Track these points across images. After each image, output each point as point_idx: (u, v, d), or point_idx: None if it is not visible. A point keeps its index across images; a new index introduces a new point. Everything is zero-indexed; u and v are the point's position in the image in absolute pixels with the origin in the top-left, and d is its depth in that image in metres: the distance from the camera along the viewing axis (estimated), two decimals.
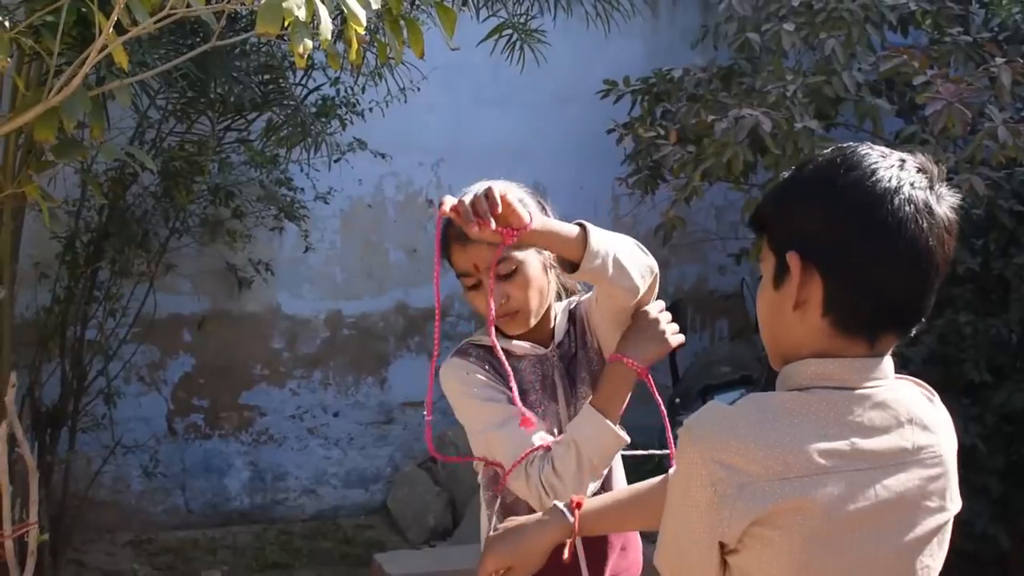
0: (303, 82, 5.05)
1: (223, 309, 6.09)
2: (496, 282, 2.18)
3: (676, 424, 3.82)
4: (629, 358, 2.24)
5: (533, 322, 2.33)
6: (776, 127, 4.55)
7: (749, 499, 1.42)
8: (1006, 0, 5.35)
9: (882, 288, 1.48)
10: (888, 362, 1.54)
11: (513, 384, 2.16)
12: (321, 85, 5.17)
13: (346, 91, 5.33)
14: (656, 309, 2.28)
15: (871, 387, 1.51)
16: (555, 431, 2.32)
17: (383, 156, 5.80)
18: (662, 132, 5.34)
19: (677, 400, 3.95)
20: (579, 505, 1.97)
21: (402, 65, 4.58)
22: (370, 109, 5.43)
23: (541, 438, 2.24)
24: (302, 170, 5.50)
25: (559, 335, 2.39)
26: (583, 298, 2.45)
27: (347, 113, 5.37)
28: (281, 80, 4.71)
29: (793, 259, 1.49)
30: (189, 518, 6.12)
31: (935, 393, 1.65)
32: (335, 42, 3.37)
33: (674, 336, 2.28)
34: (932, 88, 4.41)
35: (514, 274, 2.26)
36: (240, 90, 4.09)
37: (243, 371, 6.19)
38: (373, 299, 6.40)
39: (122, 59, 2.09)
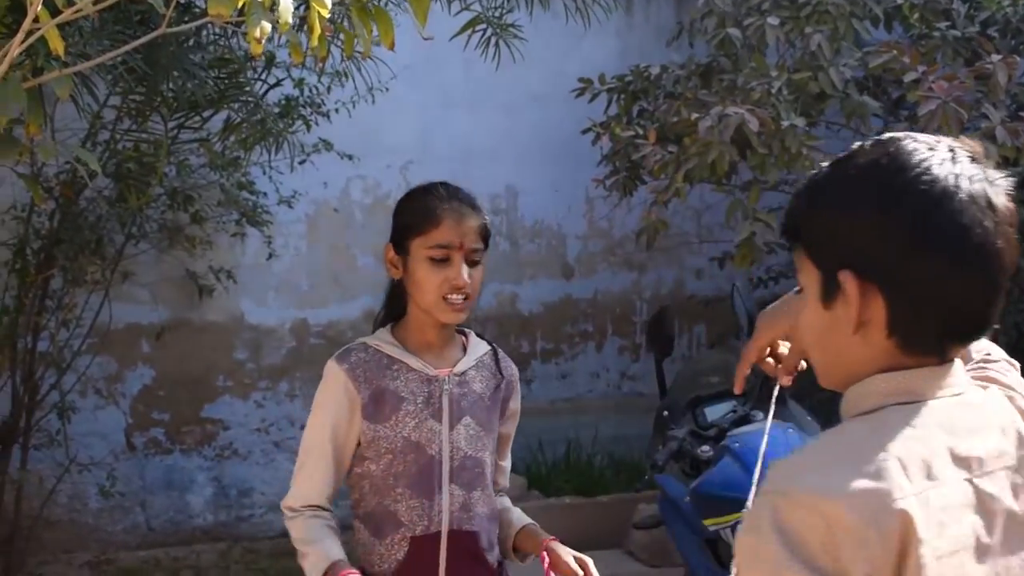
0: (263, 77, 4.84)
1: (183, 318, 5.87)
2: (463, 264, 2.32)
3: (668, 440, 3.63)
4: None
5: (464, 318, 2.40)
6: (763, 125, 4.38)
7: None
8: None
9: (952, 301, 1.31)
10: (960, 365, 1.39)
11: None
12: (282, 80, 4.97)
13: (310, 91, 5.14)
14: None
15: (949, 395, 1.35)
16: (434, 446, 2.39)
17: (350, 158, 5.61)
18: (640, 131, 5.18)
19: (666, 413, 3.75)
20: None
21: (369, 63, 4.39)
22: (336, 110, 5.25)
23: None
24: (264, 173, 5.32)
25: (465, 366, 2.46)
26: (514, 374, 2.56)
27: (312, 114, 5.18)
28: (240, 76, 4.50)
29: (848, 279, 1.32)
30: (150, 537, 5.90)
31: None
32: (298, 31, 3.15)
33: None
34: (923, 85, 4.25)
35: (479, 263, 2.38)
36: (195, 85, 3.86)
37: (205, 383, 5.97)
38: (340, 306, 6.19)
39: (57, 44, 1.88)
